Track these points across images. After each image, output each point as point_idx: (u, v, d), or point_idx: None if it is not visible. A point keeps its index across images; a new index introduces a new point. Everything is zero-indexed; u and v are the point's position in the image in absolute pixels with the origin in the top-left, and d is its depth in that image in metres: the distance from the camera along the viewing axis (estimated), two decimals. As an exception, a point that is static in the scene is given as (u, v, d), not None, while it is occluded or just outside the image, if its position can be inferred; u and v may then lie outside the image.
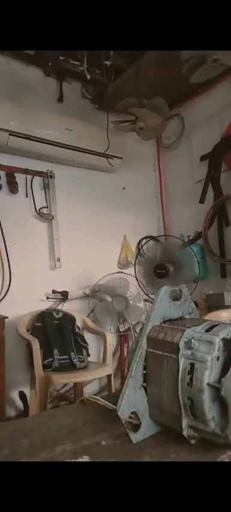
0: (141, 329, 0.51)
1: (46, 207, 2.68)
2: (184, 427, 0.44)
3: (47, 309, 2.69)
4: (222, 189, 2.82)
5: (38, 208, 2.62)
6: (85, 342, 2.49)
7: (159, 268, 2.51)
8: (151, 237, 3.20)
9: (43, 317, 2.61)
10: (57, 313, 2.63)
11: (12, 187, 2.51)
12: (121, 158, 2.89)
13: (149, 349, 0.49)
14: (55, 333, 2.56)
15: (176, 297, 0.53)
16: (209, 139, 2.84)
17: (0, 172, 2.53)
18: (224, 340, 0.43)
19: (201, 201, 2.82)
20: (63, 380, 2.48)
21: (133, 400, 0.47)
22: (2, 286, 2.57)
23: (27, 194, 2.61)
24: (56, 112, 2.69)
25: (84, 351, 2.42)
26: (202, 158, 2.92)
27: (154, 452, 0.45)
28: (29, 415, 2.41)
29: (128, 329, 2.76)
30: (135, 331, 2.82)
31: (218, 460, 0.42)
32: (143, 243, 3.18)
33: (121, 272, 2.84)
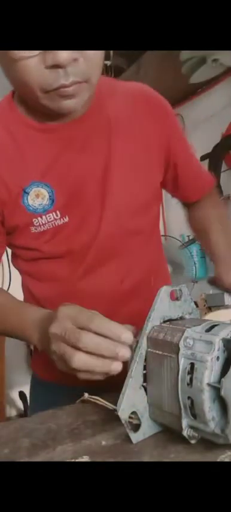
0: (141, 329, 0.51)
1: (46, 207, 2.67)
2: (183, 427, 0.44)
3: (47, 309, 2.68)
4: (222, 189, 2.82)
5: (38, 208, 2.61)
6: (85, 342, 2.49)
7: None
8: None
9: (43, 317, 2.59)
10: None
11: (12, 187, 2.50)
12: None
13: (149, 349, 0.49)
14: (55, 332, 2.55)
15: (176, 297, 0.53)
16: (209, 139, 2.83)
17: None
18: (224, 340, 0.43)
19: (201, 201, 2.81)
20: (63, 380, 2.48)
21: (133, 400, 0.47)
22: (2, 286, 2.56)
23: (27, 194, 2.60)
24: (56, 112, 2.68)
25: (84, 351, 2.42)
26: (202, 158, 2.91)
27: (154, 452, 0.45)
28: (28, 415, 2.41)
29: (128, 329, 2.75)
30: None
31: (218, 460, 0.42)
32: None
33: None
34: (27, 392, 2.61)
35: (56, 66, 0.55)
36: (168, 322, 0.51)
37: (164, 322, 0.51)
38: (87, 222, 0.74)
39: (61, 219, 0.71)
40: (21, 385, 2.68)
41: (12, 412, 2.83)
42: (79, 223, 0.73)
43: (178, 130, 0.87)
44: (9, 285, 2.58)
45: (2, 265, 2.57)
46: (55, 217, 0.71)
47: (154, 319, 0.50)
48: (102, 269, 0.76)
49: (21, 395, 2.64)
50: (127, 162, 0.75)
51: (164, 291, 0.51)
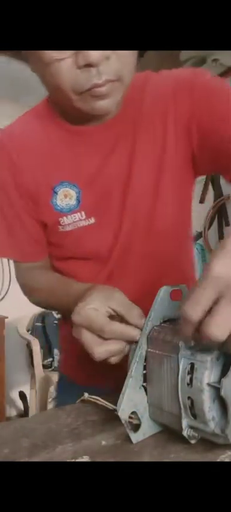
0: (141, 326, 0.51)
1: (47, 207, 2.68)
2: (183, 427, 0.44)
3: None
4: (222, 189, 2.83)
5: (38, 208, 2.61)
6: (85, 342, 2.49)
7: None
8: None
9: (43, 317, 2.61)
10: (57, 313, 2.63)
11: (12, 187, 2.51)
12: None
13: (149, 349, 0.49)
14: (56, 332, 2.56)
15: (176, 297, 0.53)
16: (209, 139, 2.83)
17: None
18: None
19: (201, 201, 2.82)
20: (63, 380, 2.48)
21: (133, 400, 0.47)
22: (2, 286, 2.57)
23: (27, 194, 2.60)
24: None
25: (84, 351, 2.42)
26: (202, 158, 2.91)
27: (153, 452, 0.45)
28: (29, 415, 2.41)
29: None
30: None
31: (218, 460, 0.42)
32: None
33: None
34: (27, 392, 2.62)
35: (88, 65, 0.55)
36: (168, 322, 0.51)
37: (164, 322, 0.51)
38: (112, 225, 0.74)
39: (87, 220, 0.72)
40: (21, 385, 2.68)
41: (12, 412, 2.83)
42: (104, 226, 0.73)
43: (209, 107, 0.69)
44: (9, 285, 2.58)
45: (2, 266, 2.58)
46: (80, 217, 0.72)
47: (154, 319, 0.50)
48: (125, 274, 0.76)
49: (21, 395, 2.64)
50: (150, 163, 0.73)
51: (164, 291, 0.51)
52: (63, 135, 0.72)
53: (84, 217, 0.72)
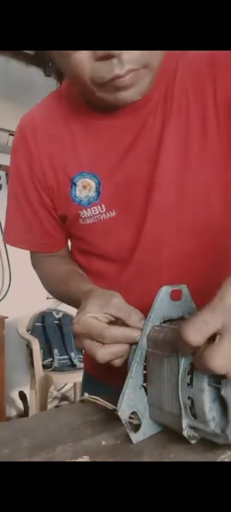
0: (141, 329, 0.51)
1: (46, 207, 2.68)
2: (184, 427, 0.44)
3: (47, 309, 2.69)
4: (222, 189, 2.82)
5: (38, 208, 2.61)
6: (85, 342, 2.49)
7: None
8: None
9: (43, 317, 2.61)
10: (57, 313, 2.64)
11: (12, 187, 2.51)
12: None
13: (149, 349, 0.49)
14: (56, 332, 2.56)
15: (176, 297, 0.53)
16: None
17: (0, 173, 2.53)
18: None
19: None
20: (63, 380, 2.49)
21: (133, 400, 0.47)
22: (2, 286, 2.57)
23: (27, 194, 2.60)
24: (56, 112, 2.69)
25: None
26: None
27: (154, 452, 0.45)
28: (29, 415, 2.42)
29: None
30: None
31: (218, 460, 0.42)
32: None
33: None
34: (27, 392, 2.62)
35: (108, 56, 0.51)
36: (168, 322, 0.51)
37: (164, 322, 0.51)
38: (134, 220, 0.68)
39: (107, 213, 0.68)
40: (21, 385, 2.68)
41: (12, 412, 2.83)
42: (126, 220, 0.69)
43: None
44: (9, 285, 2.58)
45: (2, 266, 2.57)
46: (100, 210, 0.68)
47: (154, 319, 0.50)
48: (152, 275, 0.70)
49: (21, 395, 2.65)
50: (182, 150, 0.65)
51: (164, 291, 0.51)
52: (85, 121, 0.68)
53: (104, 210, 0.68)
